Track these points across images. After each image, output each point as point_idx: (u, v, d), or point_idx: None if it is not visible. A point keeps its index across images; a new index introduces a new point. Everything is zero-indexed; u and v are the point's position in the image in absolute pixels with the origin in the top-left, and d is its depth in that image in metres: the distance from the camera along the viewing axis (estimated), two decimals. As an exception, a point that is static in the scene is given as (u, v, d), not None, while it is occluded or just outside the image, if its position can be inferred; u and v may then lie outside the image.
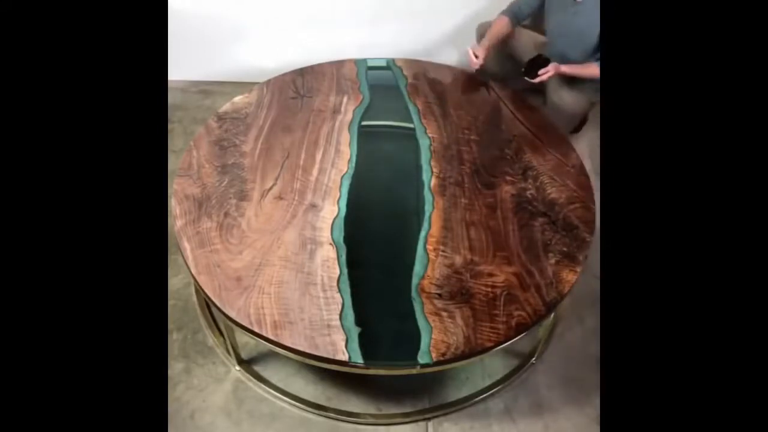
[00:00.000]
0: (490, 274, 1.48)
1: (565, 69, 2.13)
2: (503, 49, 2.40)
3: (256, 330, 1.35)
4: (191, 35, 2.64)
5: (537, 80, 2.11)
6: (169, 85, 2.71)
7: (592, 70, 2.13)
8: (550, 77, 2.12)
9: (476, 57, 2.16)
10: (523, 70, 2.14)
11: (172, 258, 1.99)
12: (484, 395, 1.69)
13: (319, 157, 1.83)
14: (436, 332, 1.35)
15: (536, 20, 2.42)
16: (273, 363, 1.75)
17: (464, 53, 2.27)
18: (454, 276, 1.48)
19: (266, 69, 2.39)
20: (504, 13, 2.27)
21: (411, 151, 1.87)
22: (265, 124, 1.95)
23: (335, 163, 1.81)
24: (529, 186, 1.74)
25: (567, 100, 2.27)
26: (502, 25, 2.24)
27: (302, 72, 2.22)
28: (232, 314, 1.38)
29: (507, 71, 2.43)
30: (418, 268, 1.49)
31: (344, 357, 1.30)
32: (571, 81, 2.25)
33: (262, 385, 1.69)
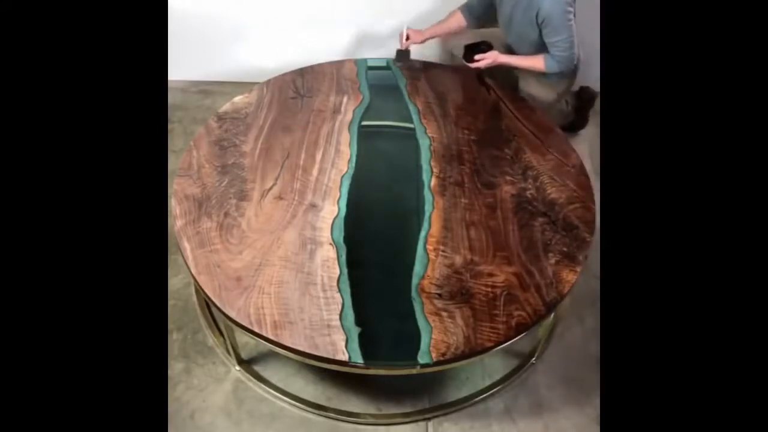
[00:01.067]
0: (490, 274, 1.48)
1: (504, 59, 2.11)
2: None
3: (256, 330, 1.35)
4: (191, 35, 2.64)
5: (473, 65, 2.11)
6: (169, 85, 2.70)
7: (534, 62, 2.09)
8: (488, 65, 2.09)
9: (407, 39, 2.10)
10: (463, 53, 2.14)
11: (172, 258, 1.99)
12: (484, 395, 1.69)
13: (319, 157, 1.83)
14: (436, 332, 1.35)
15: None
16: (273, 363, 1.75)
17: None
18: (454, 276, 1.48)
19: (266, 69, 2.39)
20: (459, 8, 2.23)
21: (411, 151, 1.87)
22: (265, 124, 1.95)
23: (335, 163, 1.81)
24: (529, 186, 1.74)
25: (533, 90, 2.23)
26: (454, 21, 2.20)
27: (302, 72, 2.22)
28: (232, 314, 1.38)
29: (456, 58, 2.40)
30: (418, 268, 1.49)
31: (344, 357, 1.30)
32: (537, 71, 2.18)
33: (262, 385, 1.69)
